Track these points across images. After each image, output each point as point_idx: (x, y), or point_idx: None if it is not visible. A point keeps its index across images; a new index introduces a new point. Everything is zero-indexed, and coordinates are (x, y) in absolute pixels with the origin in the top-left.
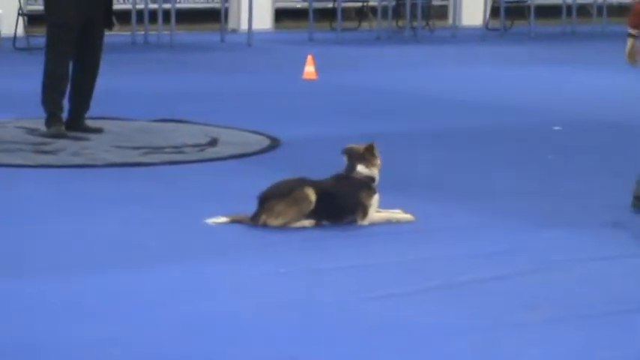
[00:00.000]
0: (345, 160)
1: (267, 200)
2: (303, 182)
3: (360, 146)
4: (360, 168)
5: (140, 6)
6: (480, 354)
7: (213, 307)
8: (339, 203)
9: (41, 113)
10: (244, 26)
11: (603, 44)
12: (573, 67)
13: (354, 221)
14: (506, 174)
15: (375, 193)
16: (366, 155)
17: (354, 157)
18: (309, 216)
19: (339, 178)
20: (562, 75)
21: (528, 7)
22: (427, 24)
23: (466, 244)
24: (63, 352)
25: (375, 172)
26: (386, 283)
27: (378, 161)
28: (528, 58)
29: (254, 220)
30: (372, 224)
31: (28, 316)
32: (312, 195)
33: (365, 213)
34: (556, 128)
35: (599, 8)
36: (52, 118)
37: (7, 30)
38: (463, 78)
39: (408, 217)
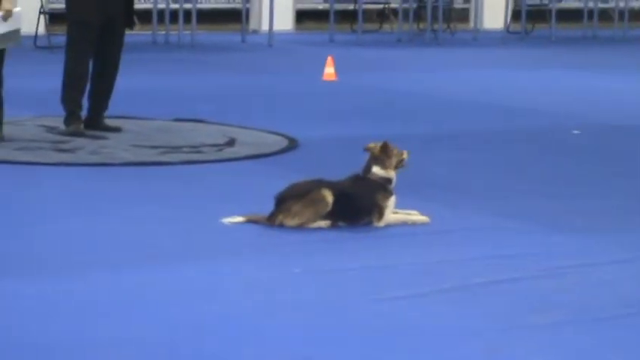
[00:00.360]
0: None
1: (284, 201)
2: (320, 183)
3: (377, 145)
4: (376, 169)
5: (161, 5)
6: (493, 356)
7: (228, 307)
8: (355, 204)
9: (61, 111)
10: (265, 27)
11: (625, 49)
12: (594, 72)
13: (370, 222)
14: (523, 176)
15: (391, 194)
16: (382, 156)
17: (371, 157)
18: (325, 217)
19: (355, 180)
20: (583, 79)
21: (550, 10)
22: (448, 27)
23: (480, 247)
24: (77, 352)
25: (391, 173)
26: (400, 284)
27: (395, 160)
28: (549, 62)
29: (270, 220)
30: (388, 226)
31: (43, 315)
32: (329, 196)
33: (381, 214)
34: (575, 132)
35: (621, 13)
36: (71, 116)
37: (28, 28)
38: (484, 81)
39: (423, 218)
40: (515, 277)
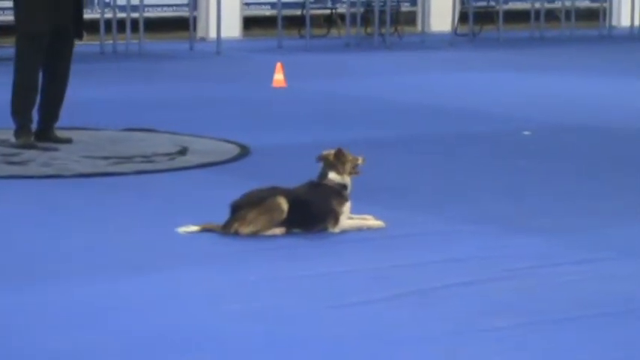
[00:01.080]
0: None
1: (239, 209)
2: (275, 191)
3: (331, 152)
4: (332, 175)
5: (108, 15)
6: None
7: (183, 316)
8: (311, 211)
9: (10, 124)
10: (213, 34)
11: (571, 49)
12: (542, 72)
13: (325, 229)
14: (476, 180)
15: (346, 200)
16: (337, 162)
17: (327, 164)
18: (280, 224)
19: (311, 186)
20: (531, 80)
21: (497, 12)
22: (396, 30)
23: (437, 250)
24: None
25: (347, 179)
26: (357, 290)
27: (349, 166)
28: (497, 64)
29: (225, 229)
30: (343, 231)
31: None
32: (284, 204)
33: (336, 220)
34: (525, 133)
35: (568, 13)
36: (21, 129)
37: None
38: (432, 84)
39: (379, 223)
40: (472, 280)
